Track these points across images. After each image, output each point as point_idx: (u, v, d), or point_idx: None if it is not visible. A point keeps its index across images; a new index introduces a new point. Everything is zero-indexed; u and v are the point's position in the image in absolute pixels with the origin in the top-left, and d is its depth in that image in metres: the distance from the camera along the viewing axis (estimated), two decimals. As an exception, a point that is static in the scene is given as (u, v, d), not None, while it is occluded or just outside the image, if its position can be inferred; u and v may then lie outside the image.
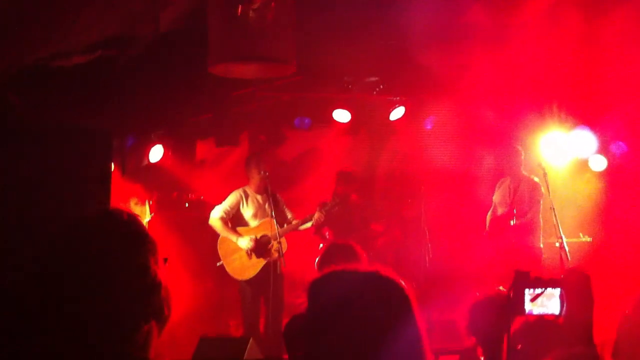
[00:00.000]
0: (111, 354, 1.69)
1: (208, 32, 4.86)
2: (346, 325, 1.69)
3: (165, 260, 1.82)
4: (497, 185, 8.33)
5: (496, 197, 8.29)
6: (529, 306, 2.36)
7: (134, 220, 1.81)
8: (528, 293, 2.34)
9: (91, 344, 1.68)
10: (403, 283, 1.80)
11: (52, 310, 1.69)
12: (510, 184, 8.10)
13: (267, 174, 7.48)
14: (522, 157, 8.12)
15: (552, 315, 2.34)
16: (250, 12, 4.47)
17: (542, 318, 2.31)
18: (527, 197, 7.94)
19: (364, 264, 4.06)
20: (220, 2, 4.70)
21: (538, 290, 2.32)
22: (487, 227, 8.26)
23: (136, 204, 7.84)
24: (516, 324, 2.81)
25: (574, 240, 8.28)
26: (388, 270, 1.82)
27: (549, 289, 2.35)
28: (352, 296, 1.72)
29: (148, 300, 1.74)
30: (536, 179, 8.01)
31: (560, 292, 2.36)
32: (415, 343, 1.71)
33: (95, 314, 1.69)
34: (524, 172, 8.14)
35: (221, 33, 4.75)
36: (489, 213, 8.36)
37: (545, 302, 2.35)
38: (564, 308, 2.34)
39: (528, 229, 7.89)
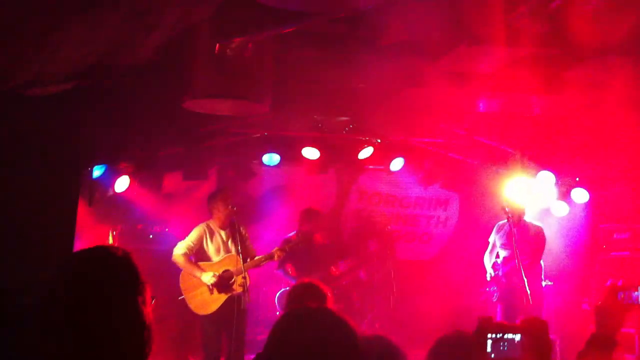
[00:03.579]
0: None
1: (183, 68, 4.91)
2: None
3: (153, 299, 1.84)
4: (496, 228, 8.36)
5: (496, 240, 8.33)
6: (490, 350, 2.43)
7: (128, 258, 1.82)
8: (490, 338, 2.41)
9: None
10: (352, 326, 1.88)
11: (39, 342, 1.70)
12: (513, 228, 8.14)
13: (235, 208, 7.50)
14: (511, 215, 8.11)
15: (513, 359, 2.41)
16: (228, 50, 4.54)
17: (503, 362, 2.38)
18: (533, 241, 8.07)
19: (329, 303, 4.09)
20: (197, 39, 4.76)
21: (499, 335, 2.39)
22: (488, 269, 8.30)
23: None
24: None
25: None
26: (340, 313, 1.90)
27: (510, 335, 2.43)
28: (307, 340, 1.81)
29: (132, 340, 1.74)
30: (539, 224, 8.18)
31: (521, 337, 2.44)
32: None
33: (81, 349, 1.69)
34: (525, 219, 8.25)
35: (197, 69, 4.80)
36: (487, 255, 8.41)
37: (507, 347, 2.42)
38: (524, 353, 2.42)
39: (535, 271, 8.01)
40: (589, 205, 9.10)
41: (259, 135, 8.74)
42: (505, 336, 2.38)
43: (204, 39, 4.74)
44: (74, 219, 5.09)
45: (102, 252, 1.83)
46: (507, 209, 8.00)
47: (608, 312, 2.57)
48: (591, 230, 9.18)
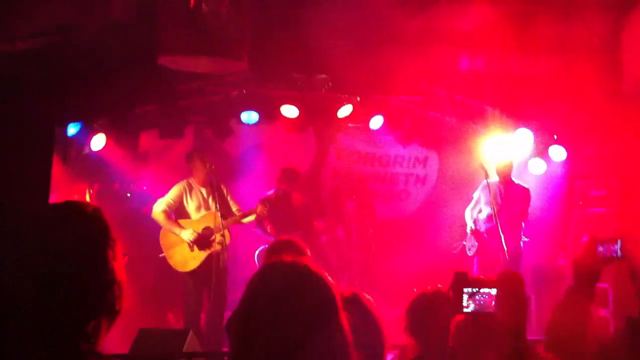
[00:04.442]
0: (60, 345, 1.68)
1: (158, 23, 4.81)
2: (275, 319, 1.75)
3: (125, 255, 1.82)
4: (482, 186, 8.38)
5: (481, 196, 8.38)
6: (467, 305, 2.46)
7: (97, 213, 1.80)
8: (466, 292, 2.44)
9: (41, 335, 1.67)
10: (330, 280, 1.88)
11: (4, 299, 1.68)
12: (499, 186, 8.21)
13: (213, 167, 7.47)
14: (489, 174, 8.17)
15: (488, 313, 2.44)
16: (203, 5, 4.45)
17: (478, 316, 2.41)
18: (519, 201, 8.16)
19: (308, 260, 4.10)
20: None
21: (475, 290, 2.42)
22: (468, 222, 8.38)
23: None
24: (452, 321, 2.91)
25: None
26: (317, 267, 1.90)
27: (486, 289, 2.46)
28: (282, 292, 1.80)
29: (102, 295, 1.73)
30: (526, 185, 8.26)
31: (497, 292, 2.47)
32: (339, 341, 1.78)
33: (49, 305, 1.68)
34: (513, 179, 8.32)
35: (172, 25, 4.71)
36: (469, 209, 8.47)
37: (482, 301, 2.45)
38: (499, 307, 2.45)
39: (516, 229, 8.13)
40: (566, 162, 9.16)
41: (237, 93, 8.65)
42: (481, 290, 2.41)
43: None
44: (49, 177, 5.03)
45: (70, 207, 1.80)
46: (484, 167, 8.04)
47: (586, 264, 2.59)
48: (568, 187, 9.27)
